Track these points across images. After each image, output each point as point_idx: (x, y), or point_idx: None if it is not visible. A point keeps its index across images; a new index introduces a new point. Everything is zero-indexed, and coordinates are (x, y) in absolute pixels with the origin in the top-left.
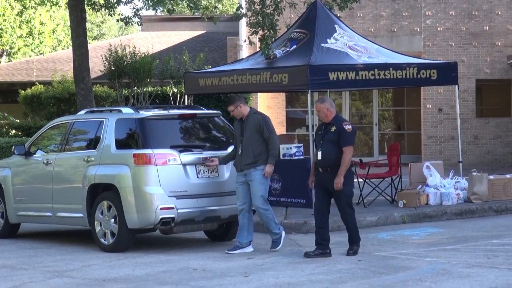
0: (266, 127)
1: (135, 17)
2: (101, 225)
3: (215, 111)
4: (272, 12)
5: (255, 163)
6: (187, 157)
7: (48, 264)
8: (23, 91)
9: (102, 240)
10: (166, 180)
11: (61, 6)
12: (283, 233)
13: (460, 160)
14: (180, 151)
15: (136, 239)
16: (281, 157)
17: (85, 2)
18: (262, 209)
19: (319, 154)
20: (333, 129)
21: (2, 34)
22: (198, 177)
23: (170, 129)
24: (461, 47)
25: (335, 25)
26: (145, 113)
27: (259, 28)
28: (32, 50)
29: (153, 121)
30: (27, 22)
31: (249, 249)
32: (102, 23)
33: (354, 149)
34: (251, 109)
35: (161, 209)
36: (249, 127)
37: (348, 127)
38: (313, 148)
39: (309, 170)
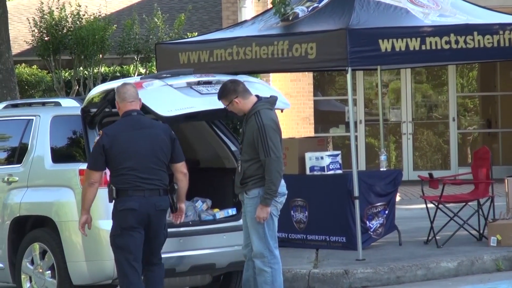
0: (263, 144)
1: None
2: (31, 281)
3: None
4: None
5: (245, 185)
6: (175, 80)
7: None
8: None
9: None
10: (156, 101)
11: None
12: None
13: None
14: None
15: None
16: (308, 171)
17: None
18: (257, 262)
19: None
20: None
21: None
22: (202, 94)
23: None
24: None
25: None
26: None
27: None
28: None
29: None
30: None
31: None
32: None
33: (421, 158)
34: (256, 103)
35: None
36: (246, 133)
37: (96, 137)
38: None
39: (350, 191)
